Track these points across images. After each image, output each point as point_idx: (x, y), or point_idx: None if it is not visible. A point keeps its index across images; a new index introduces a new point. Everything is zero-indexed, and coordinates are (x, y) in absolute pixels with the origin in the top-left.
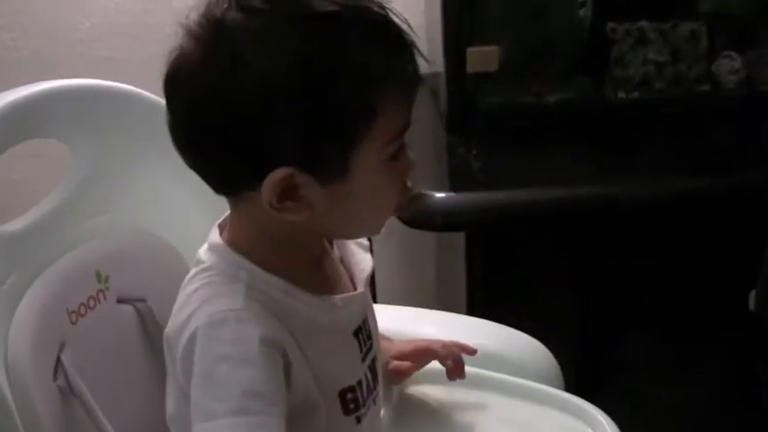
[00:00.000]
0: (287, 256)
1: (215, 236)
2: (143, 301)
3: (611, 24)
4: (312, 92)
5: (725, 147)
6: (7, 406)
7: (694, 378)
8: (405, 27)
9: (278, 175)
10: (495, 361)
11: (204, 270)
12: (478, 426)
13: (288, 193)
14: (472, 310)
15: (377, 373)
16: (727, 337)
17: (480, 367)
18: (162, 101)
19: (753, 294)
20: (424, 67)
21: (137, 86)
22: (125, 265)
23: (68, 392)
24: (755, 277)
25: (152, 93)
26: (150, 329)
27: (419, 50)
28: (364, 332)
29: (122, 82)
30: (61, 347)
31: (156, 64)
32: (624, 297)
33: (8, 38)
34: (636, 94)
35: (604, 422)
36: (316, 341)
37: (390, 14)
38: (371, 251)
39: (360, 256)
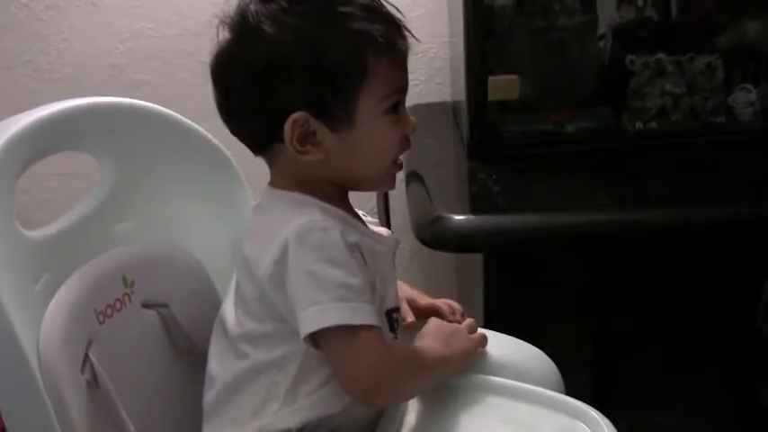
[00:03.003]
0: (330, 199)
1: (269, 189)
2: (166, 306)
3: (629, 56)
4: (315, 52)
5: (740, 177)
6: (40, 393)
7: (706, 402)
8: (395, 11)
9: (294, 117)
10: (500, 367)
11: (272, 205)
12: (482, 425)
13: (307, 138)
14: (489, 327)
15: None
16: (741, 363)
17: (485, 372)
18: (190, 123)
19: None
20: (445, 95)
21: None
22: (150, 271)
23: (94, 386)
24: None
25: (183, 116)
26: (172, 333)
27: (407, 28)
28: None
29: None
30: (89, 344)
31: (188, 89)
32: (638, 320)
33: (45, 61)
34: (653, 125)
35: (601, 422)
36: (375, 262)
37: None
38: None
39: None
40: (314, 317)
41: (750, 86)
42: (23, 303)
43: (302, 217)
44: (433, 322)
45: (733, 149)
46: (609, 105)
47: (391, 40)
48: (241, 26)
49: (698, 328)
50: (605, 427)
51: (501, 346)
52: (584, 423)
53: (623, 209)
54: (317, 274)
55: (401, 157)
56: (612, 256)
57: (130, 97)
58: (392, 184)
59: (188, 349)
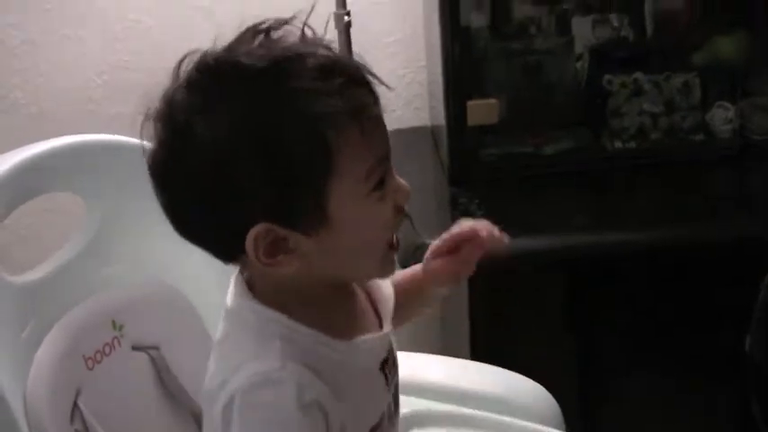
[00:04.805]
0: (311, 303)
1: (240, 288)
2: (156, 348)
3: (607, 76)
4: (261, 149)
5: (720, 195)
6: None
7: (694, 419)
8: (354, 59)
9: (254, 232)
10: (499, 404)
11: (236, 327)
12: None
13: (277, 246)
14: (475, 355)
15: (398, 398)
16: (727, 379)
17: (484, 410)
18: None
19: (749, 338)
20: (424, 119)
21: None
22: (139, 314)
23: None
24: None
25: None
26: (163, 376)
27: (377, 77)
28: (390, 361)
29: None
30: (78, 393)
31: None
32: (624, 341)
33: (21, 96)
34: (632, 144)
35: None
36: (348, 385)
37: (336, 54)
38: None
39: (383, 288)
40: None
41: (727, 104)
42: (10, 353)
43: (255, 364)
44: None
45: (712, 166)
46: (588, 126)
47: (356, 105)
48: (169, 123)
49: (685, 345)
50: None
51: (501, 382)
52: None
53: (608, 230)
54: None
55: (397, 235)
56: (598, 277)
57: (109, 131)
58: (392, 270)
59: (178, 392)
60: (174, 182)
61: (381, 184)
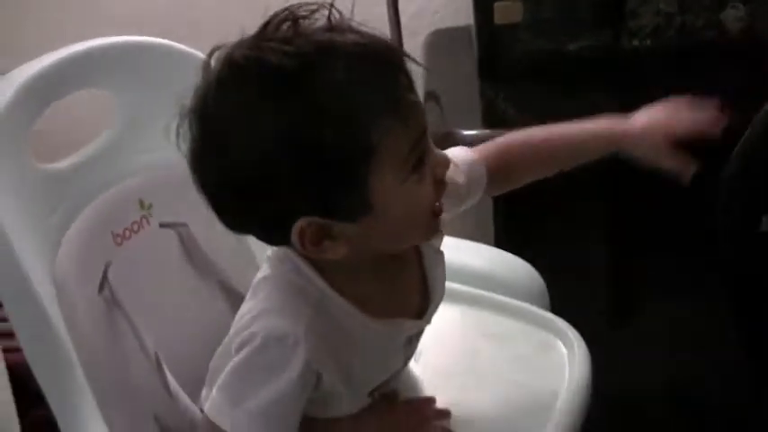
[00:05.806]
0: (355, 276)
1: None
2: (185, 225)
3: None
4: (298, 150)
5: (731, 88)
6: (50, 320)
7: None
8: (387, 43)
9: (298, 227)
10: (485, 280)
11: (275, 277)
12: (463, 340)
13: (323, 233)
14: (499, 242)
15: (412, 351)
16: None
17: (471, 285)
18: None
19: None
20: (464, 19)
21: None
22: (167, 193)
23: (112, 303)
24: None
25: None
26: (191, 251)
27: (409, 56)
28: (417, 335)
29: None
30: (107, 265)
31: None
32: (649, 235)
33: None
34: (648, 42)
35: (572, 336)
36: (363, 357)
37: (366, 36)
38: None
39: (437, 267)
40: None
41: (739, 4)
42: (39, 237)
43: (283, 319)
44: (404, 407)
45: (723, 62)
46: (608, 25)
47: (393, 93)
48: (203, 124)
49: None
50: (575, 342)
51: (489, 259)
52: (557, 336)
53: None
54: (257, 377)
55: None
56: (622, 169)
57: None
58: (437, 233)
59: (206, 267)
60: (213, 180)
61: (420, 163)
